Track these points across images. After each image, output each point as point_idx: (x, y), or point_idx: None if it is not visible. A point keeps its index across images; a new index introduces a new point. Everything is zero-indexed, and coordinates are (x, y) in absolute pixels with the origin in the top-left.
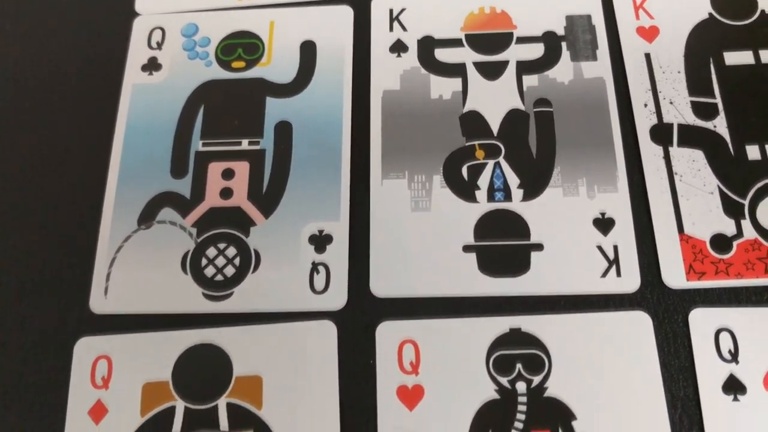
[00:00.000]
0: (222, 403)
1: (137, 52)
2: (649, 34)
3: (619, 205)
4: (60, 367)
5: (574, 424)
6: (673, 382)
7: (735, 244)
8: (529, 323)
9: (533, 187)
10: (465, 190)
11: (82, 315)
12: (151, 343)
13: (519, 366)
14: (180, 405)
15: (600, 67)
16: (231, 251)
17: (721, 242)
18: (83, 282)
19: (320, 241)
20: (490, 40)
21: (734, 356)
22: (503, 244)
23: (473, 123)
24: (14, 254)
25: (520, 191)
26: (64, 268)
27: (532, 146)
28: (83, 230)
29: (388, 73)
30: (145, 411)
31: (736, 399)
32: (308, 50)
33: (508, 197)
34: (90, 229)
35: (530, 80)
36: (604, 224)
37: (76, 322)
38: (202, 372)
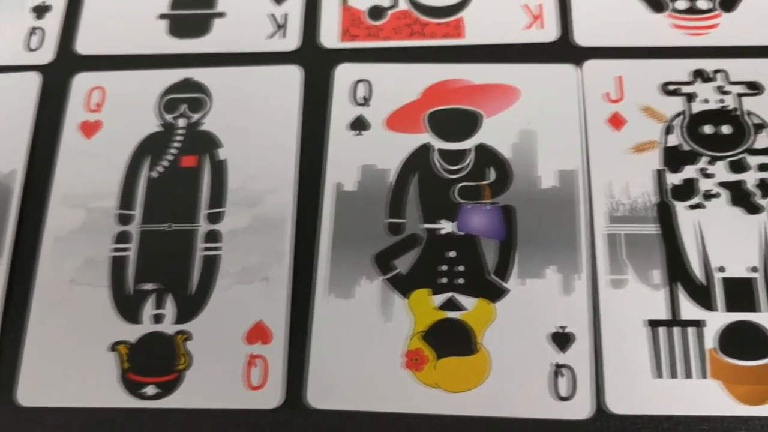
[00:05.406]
0: None
1: None
2: None
3: None
4: None
5: (219, 151)
6: (310, 123)
7: (389, 13)
8: (200, 75)
9: None
10: None
11: None
12: None
13: (184, 107)
14: None
15: None
16: None
17: (376, 12)
18: None
19: None
20: None
21: (366, 101)
22: (191, 13)
23: None
24: None
25: None
26: None
27: None
28: None
29: None
30: None
31: (359, 134)
32: None
33: None
34: None
35: None
36: None
37: None
38: None
